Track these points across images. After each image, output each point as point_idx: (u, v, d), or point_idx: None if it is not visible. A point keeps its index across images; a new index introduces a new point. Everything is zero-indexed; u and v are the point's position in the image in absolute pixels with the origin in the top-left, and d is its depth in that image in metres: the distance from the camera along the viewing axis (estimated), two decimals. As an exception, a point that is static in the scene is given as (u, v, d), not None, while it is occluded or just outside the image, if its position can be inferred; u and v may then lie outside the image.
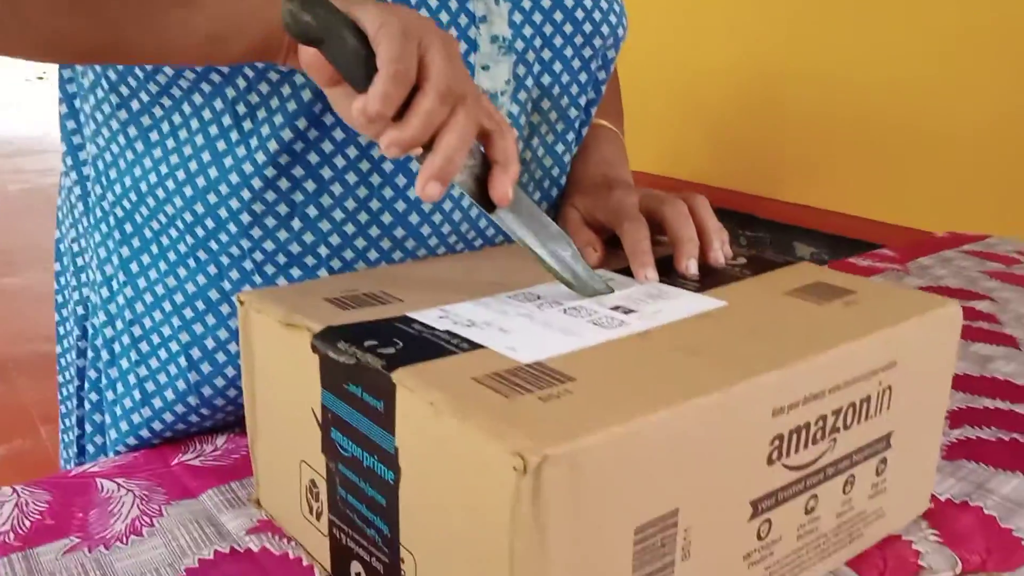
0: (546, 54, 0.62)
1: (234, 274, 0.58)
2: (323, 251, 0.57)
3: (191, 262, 0.58)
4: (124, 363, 0.61)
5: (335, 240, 0.57)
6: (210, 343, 0.59)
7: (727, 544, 0.40)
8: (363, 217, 0.56)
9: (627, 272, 0.54)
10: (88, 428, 0.66)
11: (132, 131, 0.58)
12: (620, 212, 0.58)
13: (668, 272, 0.54)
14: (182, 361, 0.59)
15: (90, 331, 0.65)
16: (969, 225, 1.31)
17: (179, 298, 0.59)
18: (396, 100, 0.43)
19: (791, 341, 0.43)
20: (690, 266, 0.54)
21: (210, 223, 0.57)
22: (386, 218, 0.57)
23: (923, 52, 1.69)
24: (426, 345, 0.41)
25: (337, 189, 0.56)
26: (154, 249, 0.59)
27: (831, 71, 1.86)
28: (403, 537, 0.40)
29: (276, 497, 0.51)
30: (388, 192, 0.57)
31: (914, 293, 0.51)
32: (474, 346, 0.41)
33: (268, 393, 0.49)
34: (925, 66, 1.69)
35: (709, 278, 0.53)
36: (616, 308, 0.47)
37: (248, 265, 0.57)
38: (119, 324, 0.62)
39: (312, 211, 0.56)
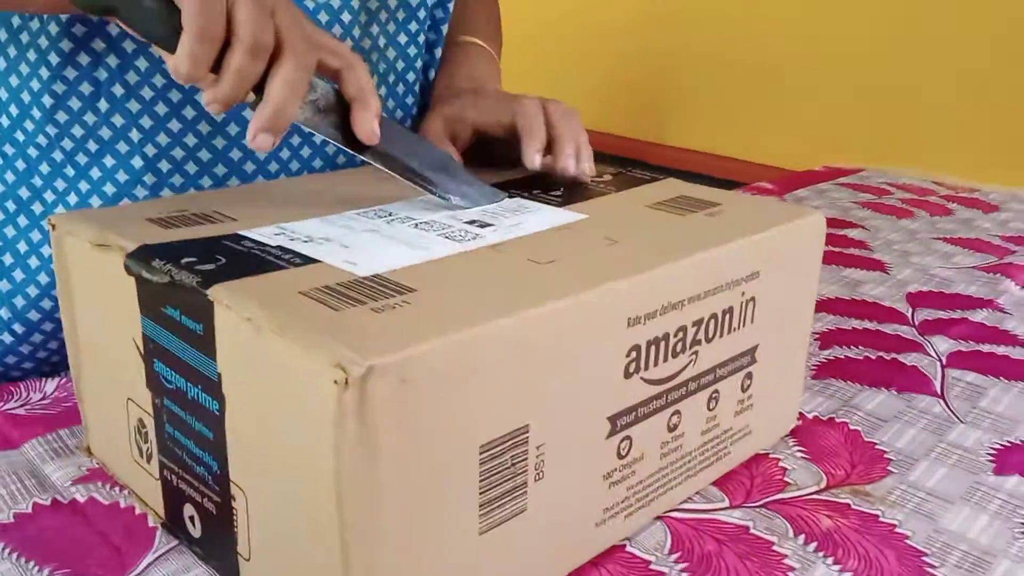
0: None
1: (44, 168, 0.53)
2: (135, 135, 0.53)
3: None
4: None
5: (146, 122, 0.52)
6: (22, 247, 0.54)
7: (584, 463, 0.38)
8: (175, 96, 0.52)
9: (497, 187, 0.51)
10: None
11: None
12: (504, 105, 0.55)
13: (530, 187, 0.51)
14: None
15: None
16: (845, 159, 1.33)
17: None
18: (205, 58, 0.40)
19: (649, 250, 0.41)
20: (535, 160, 0.52)
21: (14, 109, 0.52)
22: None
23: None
24: (252, 261, 0.37)
25: (142, 63, 0.51)
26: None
27: (715, 15, 1.86)
28: (233, 473, 0.36)
29: (105, 441, 0.46)
30: None
31: (778, 204, 0.49)
32: (308, 261, 0.38)
33: (89, 326, 0.44)
34: (800, 8, 1.71)
35: (572, 193, 0.51)
36: (472, 222, 0.44)
37: (58, 156, 0.52)
38: None
39: (118, 89, 0.52)
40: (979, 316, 0.71)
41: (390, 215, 0.45)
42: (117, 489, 0.45)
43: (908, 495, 0.47)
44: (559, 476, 0.37)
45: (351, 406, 0.29)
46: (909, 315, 0.71)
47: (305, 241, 0.40)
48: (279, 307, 0.32)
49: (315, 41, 0.44)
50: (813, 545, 0.43)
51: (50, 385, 0.55)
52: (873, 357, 0.63)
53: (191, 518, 0.40)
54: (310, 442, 0.31)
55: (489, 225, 0.44)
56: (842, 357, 0.63)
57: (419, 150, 0.49)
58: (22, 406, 0.53)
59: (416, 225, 0.43)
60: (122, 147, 0.53)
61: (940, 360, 0.63)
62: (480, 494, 0.34)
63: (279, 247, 0.39)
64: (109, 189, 0.54)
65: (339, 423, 0.29)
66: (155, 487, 0.42)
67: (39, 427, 0.50)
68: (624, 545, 0.42)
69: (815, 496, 0.47)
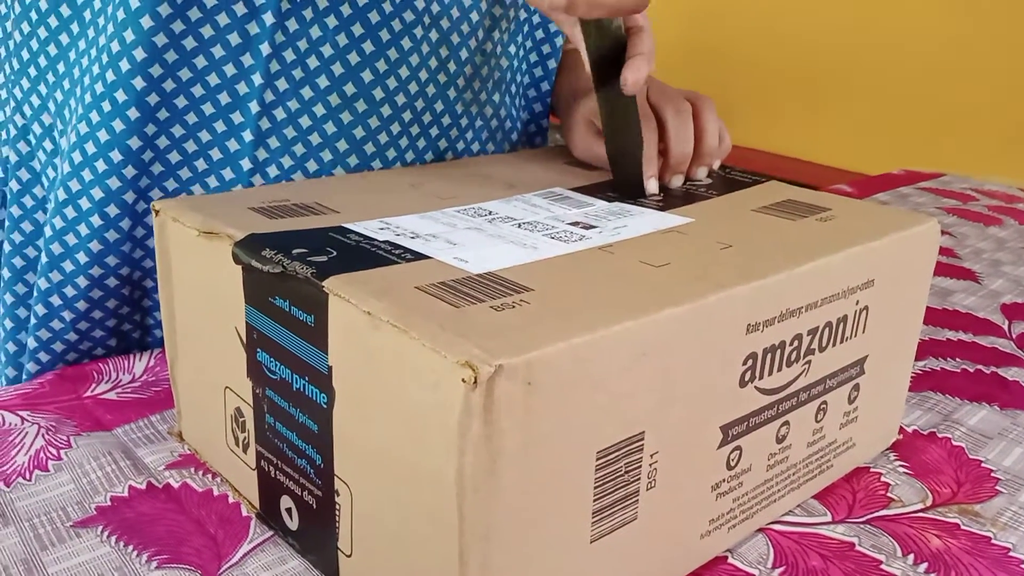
0: None
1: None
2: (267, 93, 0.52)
3: (121, 94, 0.50)
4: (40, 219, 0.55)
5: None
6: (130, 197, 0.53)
7: (695, 473, 0.37)
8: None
9: (589, 190, 0.50)
10: None
11: None
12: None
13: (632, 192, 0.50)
14: (96, 220, 0.53)
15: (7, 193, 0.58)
16: (910, 164, 1.30)
17: (103, 135, 0.51)
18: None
19: (765, 255, 0.39)
20: (663, 184, 0.53)
21: (162, 38, 0.50)
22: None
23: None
24: (363, 254, 0.37)
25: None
26: (77, 73, 0.52)
27: (776, 11, 1.82)
28: (338, 467, 0.35)
29: (199, 428, 0.46)
30: None
31: (891, 210, 0.48)
32: (418, 256, 0.37)
33: (188, 312, 0.44)
34: (874, 7, 1.67)
35: (673, 197, 0.49)
36: (575, 224, 0.43)
37: (181, 102, 0.51)
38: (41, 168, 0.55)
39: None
40: (1080, 331, 0.68)
41: (491, 214, 0.44)
42: (210, 476, 0.45)
43: (1020, 517, 0.45)
44: (670, 485, 0.36)
45: (477, 406, 0.28)
46: (1006, 328, 0.68)
47: (412, 237, 0.40)
48: (398, 301, 0.32)
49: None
50: (923, 566, 0.41)
51: (139, 365, 0.55)
52: (971, 370, 0.61)
53: (288, 510, 0.40)
54: (429, 441, 0.30)
55: (593, 227, 0.43)
56: (938, 369, 0.61)
57: (630, 124, 0.51)
58: (112, 389, 0.53)
59: (519, 225, 0.42)
60: (237, 120, 0.53)
61: (1043, 376, 0.61)
62: (594, 501, 0.33)
63: (387, 242, 0.38)
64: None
65: (464, 423, 0.28)
66: (250, 477, 0.42)
67: (131, 413, 0.50)
68: (726, 557, 0.41)
69: (921, 514, 0.45)
